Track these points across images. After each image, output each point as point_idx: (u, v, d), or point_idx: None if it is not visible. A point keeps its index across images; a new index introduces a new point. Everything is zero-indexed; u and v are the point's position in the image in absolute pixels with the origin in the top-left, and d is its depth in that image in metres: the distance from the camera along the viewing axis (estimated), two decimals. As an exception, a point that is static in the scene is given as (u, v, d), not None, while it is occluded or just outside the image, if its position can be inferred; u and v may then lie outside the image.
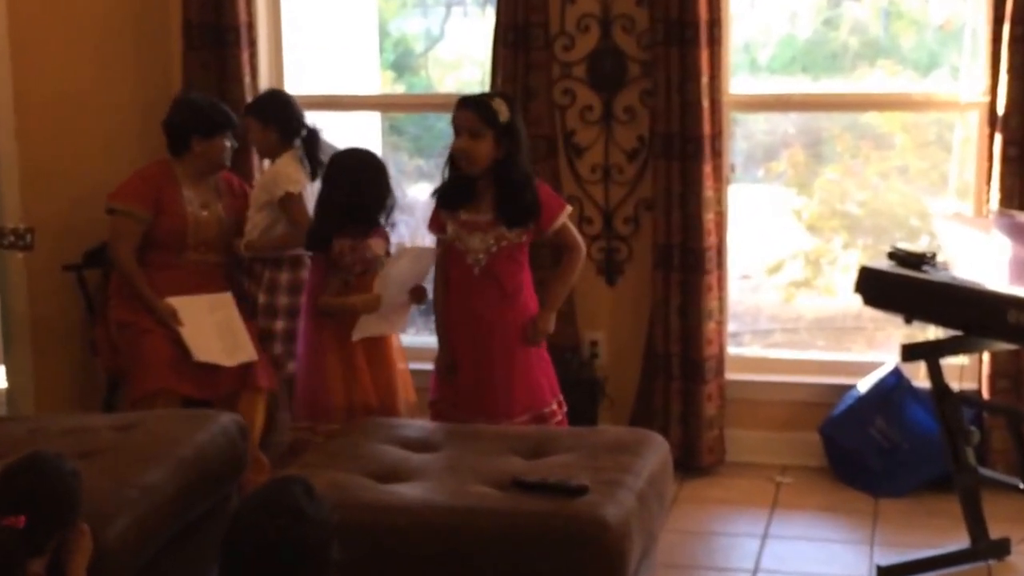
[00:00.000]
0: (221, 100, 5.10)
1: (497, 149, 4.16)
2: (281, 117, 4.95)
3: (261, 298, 4.93)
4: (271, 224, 4.88)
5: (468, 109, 4.17)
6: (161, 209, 4.84)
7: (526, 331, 4.25)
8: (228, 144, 4.93)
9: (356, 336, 4.39)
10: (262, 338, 4.91)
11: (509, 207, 4.19)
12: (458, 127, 4.18)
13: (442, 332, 4.36)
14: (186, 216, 4.87)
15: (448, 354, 4.33)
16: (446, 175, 4.29)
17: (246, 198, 5.06)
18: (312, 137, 4.97)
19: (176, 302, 4.78)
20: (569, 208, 4.36)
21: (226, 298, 4.89)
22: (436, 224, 4.33)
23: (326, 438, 4.26)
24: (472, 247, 4.22)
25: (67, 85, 5.33)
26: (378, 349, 4.42)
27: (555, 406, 4.33)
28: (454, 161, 4.22)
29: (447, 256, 4.31)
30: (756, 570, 4.33)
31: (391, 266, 4.37)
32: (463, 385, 4.30)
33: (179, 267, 4.89)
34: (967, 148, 5.14)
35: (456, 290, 4.30)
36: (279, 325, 4.86)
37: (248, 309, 4.97)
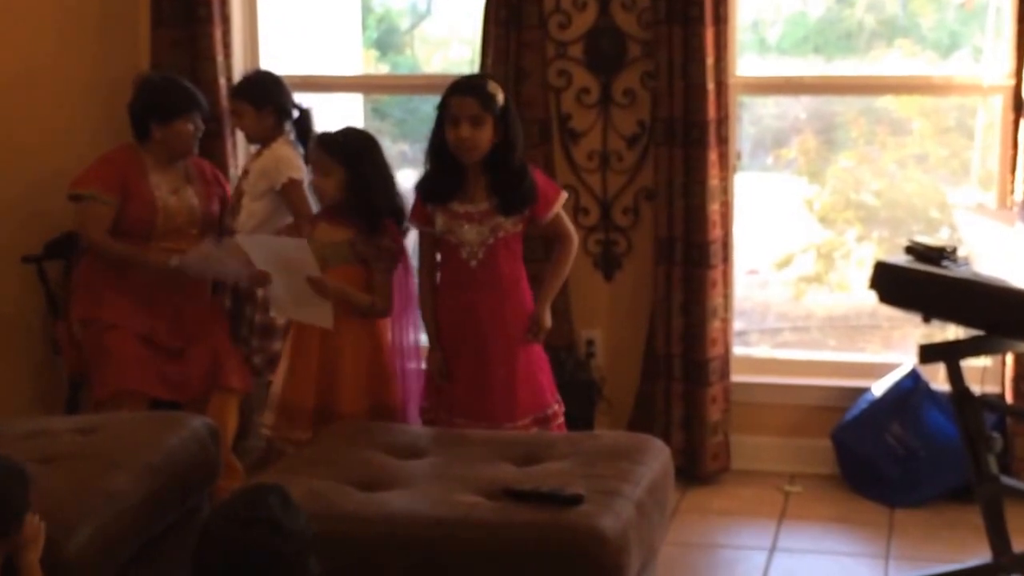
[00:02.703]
0: (193, 81, 5.10)
1: (494, 135, 4.17)
2: (276, 100, 4.97)
3: (261, 292, 4.94)
4: (271, 213, 4.89)
5: (468, 96, 4.15)
6: (128, 195, 4.83)
7: (528, 327, 4.27)
8: (192, 128, 4.90)
9: (273, 312, 4.60)
10: (262, 333, 4.94)
11: (507, 195, 4.20)
12: (456, 115, 4.15)
13: (433, 332, 4.34)
14: (155, 202, 4.86)
15: (441, 356, 4.33)
16: (428, 166, 4.28)
17: (219, 185, 5.06)
18: (305, 119, 5.00)
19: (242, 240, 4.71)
20: (565, 195, 4.37)
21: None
22: (420, 216, 4.31)
23: (295, 446, 4.26)
24: (467, 239, 4.23)
25: (24, 63, 5.32)
26: (364, 351, 4.38)
27: (556, 406, 4.35)
28: (449, 151, 4.19)
29: (436, 251, 4.30)
30: (763, 585, 4.36)
31: (254, 242, 4.46)
32: (459, 389, 4.29)
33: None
34: (990, 134, 5.15)
35: (449, 286, 4.30)
36: (282, 320, 4.87)
37: (234, 303, 5.00)
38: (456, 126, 4.16)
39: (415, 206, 4.33)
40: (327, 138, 4.39)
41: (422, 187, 4.29)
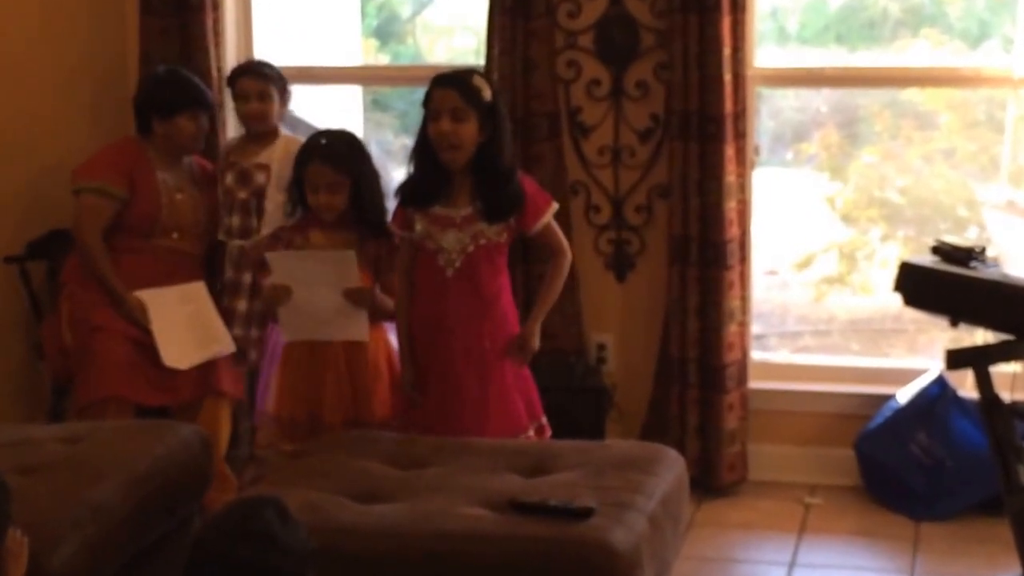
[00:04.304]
0: (199, 74, 5.11)
1: (479, 133, 4.15)
2: (289, 91, 5.05)
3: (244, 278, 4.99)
4: None
5: (450, 88, 4.13)
6: (134, 188, 4.86)
7: (509, 346, 4.25)
8: (194, 126, 4.92)
9: (286, 336, 4.41)
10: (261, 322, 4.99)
11: (492, 199, 4.17)
12: (437, 109, 4.12)
13: (405, 344, 4.31)
14: (159, 198, 4.89)
15: (412, 370, 4.30)
16: (412, 168, 4.26)
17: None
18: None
19: (145, 295, 4.80)
20: (556, 205, 4.33)
21: (198, 288, 4.92)
22: (400, 220, 4.28)
23: (287, 456, 4.29)
24: (445, 246, 4.20)
25: (5, 53, 5.32)
26: (355, 358, 4.40)
27: (532, 432, 4.30)
28: (432, 149, 4.16)
29: (415, 256, 4.27)
30: (782, 602, 4.37)
31: (288, 259, 4.36)
32: (428, 405, 4.27)
33: (147, 252, 4.91)
34: (1021, 128, 5.15)
35: (425, 295, 4.27)
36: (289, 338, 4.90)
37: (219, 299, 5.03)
38: (437, 120, 4.13)
39: (395, 210, 4.31)
40: (332, 155, 4.34)
41: (403, 190, 4.27)
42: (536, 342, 4.28)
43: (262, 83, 4.98)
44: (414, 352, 4.29)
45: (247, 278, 4.95)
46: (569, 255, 4.35)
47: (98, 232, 4.84)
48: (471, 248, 4.19)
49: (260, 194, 4.95)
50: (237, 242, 4.97)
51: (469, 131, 4.12)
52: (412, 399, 4.30)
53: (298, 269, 4.32)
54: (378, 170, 4.44)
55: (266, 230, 4.84)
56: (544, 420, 4.36)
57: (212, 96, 5.06)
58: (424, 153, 4.20)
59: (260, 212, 4.94)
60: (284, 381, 4.43)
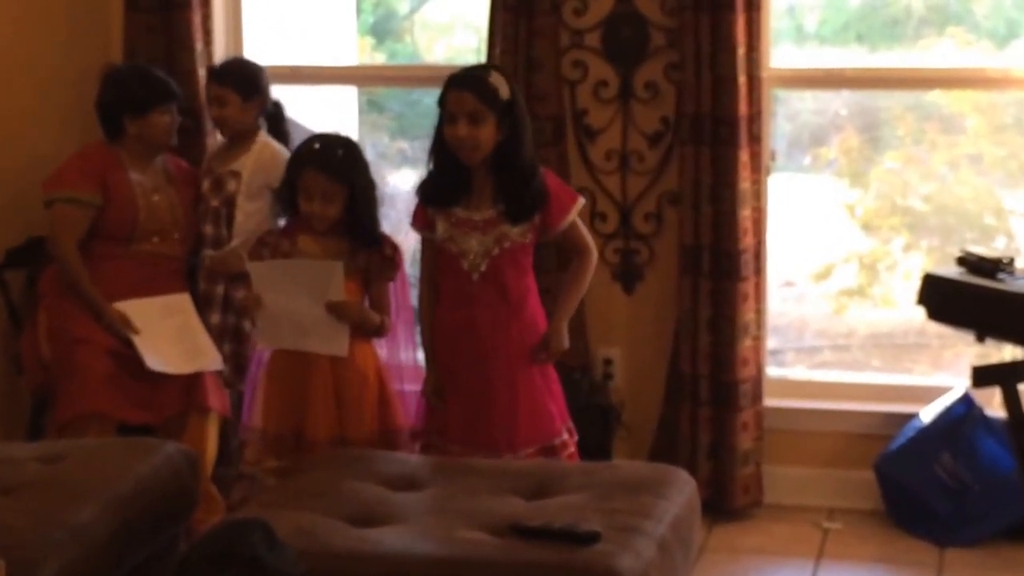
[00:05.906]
0: (169, 71, 5.12)
1: (498, 132, 4.18)
2: (264, 91, 5.04)
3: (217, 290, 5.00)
4: (268, 213, 4.91)
5: (465, 90, 4.17)
6: (108, 194, 4.87)
7: (536, 348, 4.27)
8: (169, 119, 4.95)
9: (260, 343, 4.49)
10: (234, 337, 4.99)
11: (514, 199, 4.21)
12: (453, 112, 4.17)
13: (430, 350, 4.37)
14: (136, 201, 4.91)
15: (437, 376, 4.34)
16: (431, 166, 4.30)
17: (197, 186, 5.08)
18: (278, 114, 5.07)
19: (127, 307, 4.80)
20: (582, 201, 4.37)
21: (182, 299, 4.93)
22: (421, 221, 4.33)
23: (275, 476, 4.30)
24: (469, 249, 4.24)
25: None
26: (342, 373, 4.41)
27: (566, 435, 4.35)
28: (451, 151, 4.20)
29: (437, 260, 4.32)
30: (798, 632, 4.36)
31: (269, 269, 4.40)
32: (456, 413, 4.30)
33: (128, 258, 4.92)
34: (1051, 133, 5.16)
35: (449, 300, 4.32)
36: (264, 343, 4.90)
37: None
38: (453, 124, 4.16)
39: (416, 209, 4.35)
40: (329, 163, 4.36)
41: (423, 189, 4.31)
42: (564, 341, 4.32)
43: (217, 88, 5.02)
44: (440, 358, 4.32)
45: (220, 290, 4.96)
46: (595, 254, 4.40)
47: (74, 243, 4.85)
48: (495, 251, 4.23)
49: (231, 202, 4.97)
50: (208, 252, 4.98)
51: (487, 133, 4.16)
52: (435, 406, 4.33)
53: (279, 278, 4.36)
54: (374, 179, 4.45)
55: (235, 240, 4.86)
56: (571, 424, 4.39)
57: (177, 86, 5.07)
58: (442, 153, 4.25)
59: (230, 221, 4.95)
60: (269, 394, 4.45)
